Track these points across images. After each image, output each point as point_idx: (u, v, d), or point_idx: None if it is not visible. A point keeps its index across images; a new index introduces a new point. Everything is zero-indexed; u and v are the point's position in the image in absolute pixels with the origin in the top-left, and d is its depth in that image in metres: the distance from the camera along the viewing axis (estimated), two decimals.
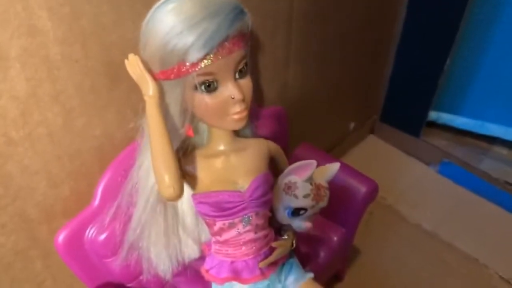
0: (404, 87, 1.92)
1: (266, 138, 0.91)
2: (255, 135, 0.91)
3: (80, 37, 0.78)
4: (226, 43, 0.66)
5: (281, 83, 1.37)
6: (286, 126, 1.25)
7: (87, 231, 0.89)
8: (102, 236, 0.89)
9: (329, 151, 1.85)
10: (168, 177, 0.69)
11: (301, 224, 0.84)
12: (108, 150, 0.92)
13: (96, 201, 0.90)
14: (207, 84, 0.69)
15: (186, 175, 0.79)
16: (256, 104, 1.19)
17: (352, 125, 1.96)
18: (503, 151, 1.96)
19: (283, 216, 0.84)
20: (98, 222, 0.89)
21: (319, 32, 1.40)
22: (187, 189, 0.83)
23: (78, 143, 0.88)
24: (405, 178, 1.92)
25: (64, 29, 0.76)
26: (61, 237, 0.86)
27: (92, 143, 0.90)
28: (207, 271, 0.86)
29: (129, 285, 0.97)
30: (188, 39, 0.63)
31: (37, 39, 0.73)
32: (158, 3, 0.68)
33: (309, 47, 1.40)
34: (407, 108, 1.96)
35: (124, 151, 0.91)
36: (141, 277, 0.94)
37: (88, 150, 0.90)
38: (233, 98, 0.71)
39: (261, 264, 0.82)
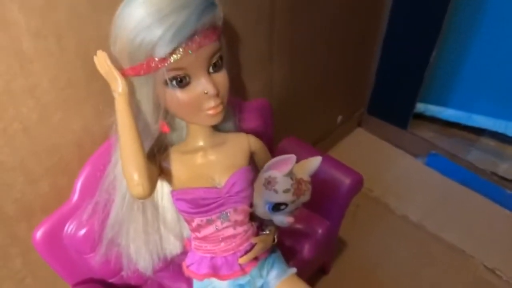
0: (391, 79, 1.92)
1: (251, 131, 0.89)
2: (238, 129, 0.90)
3: (55, 30, 0.77)
4: (196, 36, 0.65)
5: (265, 76, 1.35)
6: (271, 119, 1.23)
7: (66, 227, 0.88)
8: (82, 232, 0.87)
9: (317, 144, 1.85)
10: (137, 175, 0.68)
11: (283, 219, 0.83)
12: (86, 145, 0.91)
13: (75, 197, 0.88)
14: (178, 79, 0.68)
15: (163, 172, 0.78)
16: (240, 98, 1.18)
17: (339, 118, 1.96)
18: (491, 142, 1.96)
19: (264, 211, 0.83)
20: (77, 217, 0.88)
21: (303, 24, 1.39)
22: (167, 185, 0.83)
23: (56, 138, 0.86)
24: (392, 170, 1.93)
25: (37, 22, 0.74)
26: (39, 234, 0.85)
27: (70, 138, 0.88)
28: (187, 267, 0.86)
29: (110, 281, 0.96)
30: (155, 32, 0.62)
31: (9, 32, 0.71)
32: None
33: (293, 39, 1.39)
34: (394, 101, 1.96)
35: (103, 146, 0.90)
36: (122, 273, 0.93)
37: (66, 145, 0.88)
38: (206, 93, 0.70)
39: (241, 260, 0.82)
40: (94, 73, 0.84)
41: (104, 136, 0.91)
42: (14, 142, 0.80)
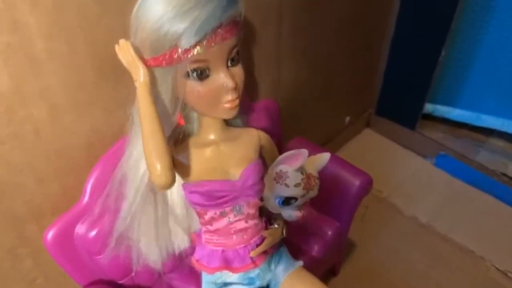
0: (399, 80, 1.91)
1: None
2: (246, 125, 0.90)
3: (65, 31, 0.77)
4: (219, 30, 0.65)
5: (274, 77, 1.35)
6: (279, 119, 1.23)
7: (77, 228, 0.88)
8: (92, 233, 0.88)
9: (325, 144, 1.84)
10: (160, 165, 0.68)
11: (292, 213, 0.84)
12: (96, 146, 0.91)
13: (85, 198, 0.89)
14: (199, 71, 0.68)
15: (176, 164, 0.78)
16: (248, 98, 1.18)
17: (347, 118, 1.95)
18: (500, 143, 1.95)
19: (273, 205, 0.83)
20: (88, 218, 0.88)
21: (311, 25, 1.39)
22: (176, 179, 0.82)
23: (66, 139, 0.86)
24: (401, 171, 1.91)
25: (48, 23, 0.74)
26: (50, 235, 0.86)
27: (80, 139, 0.89)
28: (197, 260, 0.86)
29: (120, 282, 0.96)
30: (180, 25, 0.62)
31: (20, 34, 0.72)
32: None
33: (302, 40, 1.39)
34: (402, 101, 1.95)
35: (113, 147, 0.90)
36: (132, 274, 0.93)
37: (76, 146, 0.89)
38: (225, 86, 0.70)
39: (253, 253, 0.82)
40: (104, 73, 0.86)
41: (113, 137, 0.92)
42: (25, 143, 0.81)
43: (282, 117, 1.25)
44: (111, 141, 0.91)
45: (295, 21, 1.31)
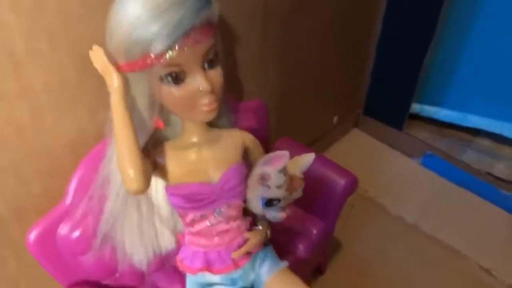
0: (387, 80, 1.92)
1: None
2: (233, 125, 0.90)
3: (47, 30, 0.77)
4: (192, 33, 0.65)
5: (260, 76, 1.36)
6: (266, 119, 1.24)
7: (60, 228, 0.87)
8: (76, 234, 0.87)
9: (313, 144, 1.85)
10: (132, 171, 0.68)
11: (275, 214, 0.84)
12: (80, 146, 0.91)
13: (69, 199, 0.88)
14: (173, 75, 0.68)
15: (158, 167, 0.78)
16: (235, 98, 1.18)
17: (335, 118, 1.96)
18: (486, 142, 1.97)
19: (257, 206, 0.84)
20: (71, 219, 0.87)
21: (298, 25, 1.40)
22: (161, 180, 0.83)
23: (48, 139, 0.86)
24: (388, 171, 1.93)
25: (29, 22, 0.74)
26: (32, 236, 0.85)
27: (63, 139, 0.88)
28: (181, 261, 0.86)
29: (104, 282, 0.96)
30: (151, 29, 0.62)
31: (0, 33, 0.71)
32: None
33: (288, 39, 1.39)
34: (390, 101, 1.96)
35: (96, 147, 0.90)
36: (116, 274, 0.93)
37: (59, 147, 0.88)
38: (200, 89, 0.70)
39: (234, 255, 0.83)
40: (87, 73, 0.85)
41: (97, 137, 0.91)
42: (7, 144, 0.80)
43: (269, 117, 1.25)
44: (95, 141, 0.91)
45: (282, 21, 1.31)
